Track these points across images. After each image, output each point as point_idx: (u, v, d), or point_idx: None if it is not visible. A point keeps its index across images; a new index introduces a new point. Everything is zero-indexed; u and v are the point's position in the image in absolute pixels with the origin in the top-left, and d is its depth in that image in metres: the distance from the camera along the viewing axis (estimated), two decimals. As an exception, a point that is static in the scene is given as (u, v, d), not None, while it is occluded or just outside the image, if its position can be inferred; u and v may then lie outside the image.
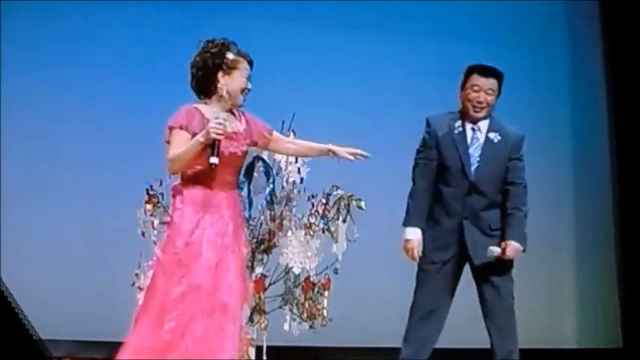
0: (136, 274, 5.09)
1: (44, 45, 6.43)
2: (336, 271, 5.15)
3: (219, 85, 3.82)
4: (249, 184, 5.12)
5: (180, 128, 3.75)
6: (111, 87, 6.47)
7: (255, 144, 3.94)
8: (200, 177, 3.73)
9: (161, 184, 5.11)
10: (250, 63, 3.90)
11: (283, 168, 5.08)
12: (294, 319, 5.04)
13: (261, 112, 5.87)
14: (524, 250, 4.15)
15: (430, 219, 4.23)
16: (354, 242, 5.14)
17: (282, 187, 5.12)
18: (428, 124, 4.27)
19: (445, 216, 4.17)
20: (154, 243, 5.06)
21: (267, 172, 5.11)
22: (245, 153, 3.90)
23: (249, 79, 3.87)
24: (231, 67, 3.82)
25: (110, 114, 6.45)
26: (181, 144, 3.69)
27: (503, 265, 4.13)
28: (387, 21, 7.07)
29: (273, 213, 5.09)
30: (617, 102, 7.47)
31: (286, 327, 5.03)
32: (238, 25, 6.73)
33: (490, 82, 4.20)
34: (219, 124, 3.61)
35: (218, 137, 3.60)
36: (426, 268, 4.21)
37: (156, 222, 5.07)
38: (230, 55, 3.85)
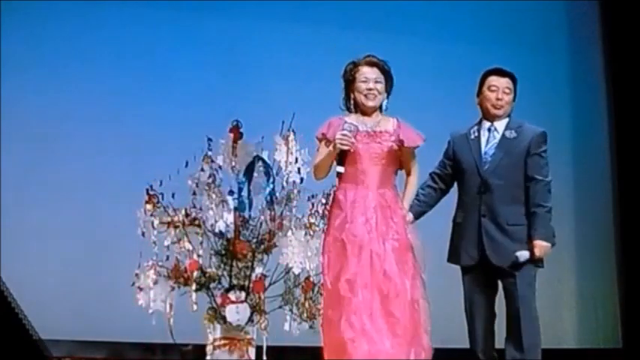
0: (136, 274, 5.08)
1: (44, 44, 6.44)
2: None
3: (351, 101, 4.10)
4: (249, 184, 5.13)
5: (322, 136, 4.04)
6: (111, 87, 6.47)
7: (402, 143, 4.04)
8: (349, 178, 3.98)
9: (161, 184, 5.12)
10: (371, 64, 4.12)
11: (283, 168, 5.09)
12: (294, 319, 5.04)
13: (261, 112, 5.92)
14: (553, 245, 4.18)
15: (455, 225, 4.31)
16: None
17: (282, 187, 5.12)
18: (450, 138, 4.40)
19: (466, 219, 4.23)
20: (154, 243, 5.07)
21: (267, 172, 5.12)
22: (393, 151, 4.02)
23: (375, 80, 4.07)
24: (353, 79, 4.09)
25: (110, 114, 6.46)
26: (322, 152, 4.03)
27: (522, 265, 4.13)
28: (386, 21, 7.07)
29: (273, 213, 5.09)
30: (617, 102, 7.48)
31: (286, 327, 5.04)
32: (238, 26, 6.77)
33: (506, 81, 4.30)
34: (344, 135, 3.88)
35: (344, 147, 3.88)
36: (465, 275, 4.28)
37: (156, 222, 5.07)
38: (350, 68, 4.13)
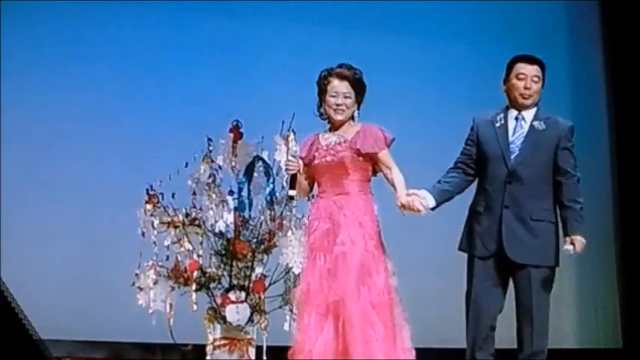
0: (136, 274, 5.09)
1: (44, 44, 6.43)
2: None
3: (321, 111, 4.16)
4: (249, 184, 5.13)
5: (300, 156, 4.15)
6: (111, 87, 6.48)
7: (358, 151, 4.08)
8: (317, 190, 4.17)
9: (161, 184, 5.12)
10: (342, 77, 4.12)
11: (283, 168, 5.08)
12: (294, 319, 5.04)
13: (261, 112, 5.92)
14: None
15: (474, 213, 4.15)
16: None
17: (282, 187, 5.12)
18: (472, 123, 4.25)
19: (487, 209, 4.07)
20: (154, 243, 5.07)
21: (267, 172, 5.12)
22: (353, 158, 4.06)
23: (344, 95, 4.10)
24: (324, 91, 4.12)
25: (110, 114, 6.46)
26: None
27: (540, 271, 4.08)
28: (386, 21, 7.08)
29: (273, 213, 5.09)
30: (617, 102, 7.48)
31: (286, 327, 5.03)
32: (238, 26, 6.77)
33: (535, 69, 4.15)
34: (290, 161, 4.10)
35: (291, 172, 4.08)
36: (475, 262, 4.12)
37: (156, 222, 5.07)
38: (323, 76, 4.15)
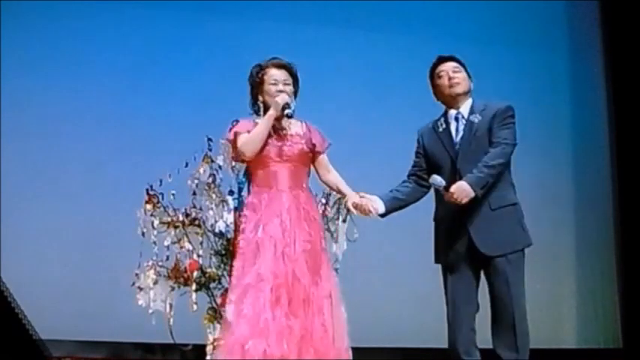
0: (136, 274, 5.09)
1: (44, 44, 6.43)
2: (336, 271, 5.14)
3: (259, 104, 4.07)
4: (249, 184, 5.12)
5: (235, 135, 4.03)
6: (111, 87, 6.48)
7: (313, 147, 4.06)
8: (260, 181, 3.99)
9: (161, 184, 5.12)
10: (279, 66, 4.09)
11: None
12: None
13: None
14: (476, 196, 3.91)
15: (437, 223, 4.14)
16: (354, 242, 5.15)
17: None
18: (417, 134, 4.25)
19: (448, 214, 4.04)
20: (154, 243, 5.07)
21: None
22: (305, 152, 4.02)
23: (284, 82, 4.05)
24: (261, 82, 4.07)
25: (110, 114, 6.46)
26: (260, 125, 3.97)
27: (513, 259, 3.99)
28: (386, 21, 7.07)
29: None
30: (617, 102, 7.47)
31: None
32: (238, 26, 6.76)
33: (451, 64, 4.16)
34: (280, 91, 3.98)
35: (287, 100, 3.96)
36: (447, 269, 4.10)
37: (156, 222, 5.07)
38: (256, 71, 4.11)
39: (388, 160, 5.44)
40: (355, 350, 6.64)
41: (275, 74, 4.06)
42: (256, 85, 4.08)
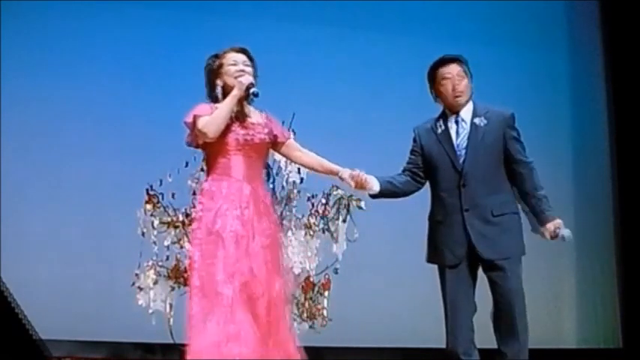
0: (136, 274, 5.09)
1: (44, 44, 6.43)
2: (336, 271, 5.15)
3: (217, 89, 3.92)
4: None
5: (195, 118, 3.90)
6: (111, 87, 6.48)
7: (275, 138, 3.96)
8: (218, 169, 3.83)
9: (161, 184, 5.12)
10: (238, 50, 4.00)
11: (283, 168, 5.08)
12: (294, 319, 5.03)
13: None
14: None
15: (434, 223, 4.15)
16: (354, 242, 5.15)
17: (282, 187, 5.12)
18: (414, 133, 4.25)
19: (446, 215, 4.07)
20: (154, 243, 5.08)
21: (267, 172, 5.11)
22: (265, 143, 3.91)
23: (244, 62, 3.94)
24: (220, 66, 3.94)
25: (110, 114, 6.46)
26: (223, 105, 3.82)
27: (512, 260, 4.03)
28: (386, 21, 7.08)
29: (272, 213, 5.09)
30: (617, 102, 7.47)
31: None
32: (238, 25, 6.76)
33: (456, 67, 4.15)
34: (242, 71, 3.87)
35: (251, 80, 3.86)
36: (445, 271, 4.10)
37: (156, 222, 5.08)
38: (214, 59, 4.00)
39: (388, 160, 5.42)
40: (355, 350, 6.67)
41: (234, 56, 3.96)
42: (214, 71, 3.96)
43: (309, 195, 5.17)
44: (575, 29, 7.68)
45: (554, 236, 4.06)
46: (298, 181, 5.13)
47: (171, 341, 5.13)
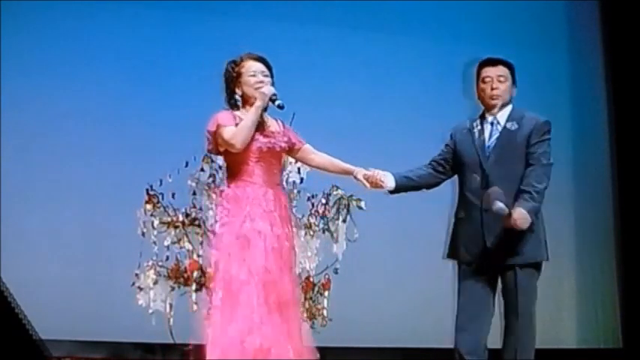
0: (136, 274, 5.09)
1: (44, 44, 6.43)
2: (336, 271, 5.16)
3: (236, 97, 4.00)
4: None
5: (217, 127, 3.96)
6: (111, 87, 6.47)
7: (292, 145, 4.06)
8: (242, 175, 3.91)
9: (161, 184, 5.12)
10: (256, 59, 4.04)
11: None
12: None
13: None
14: (532, 223, 3.96)
15: (457, 220, 4.19)
16: (354, 242, 5.15)
17: (283, 187, 5.11)
18: (452, 131, 4.30)
19: (468, 214, 4.10)
20: (154, 243, 5.08)
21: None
22: (283, 151, 4.02)
23: (263, 73, 3.99)
24: (238, 75, 4.00)
25: (110, 114, 6.46)
26: (248, 117, 3.90)
27: (524, 265, 4.03)
28: (386, 21, 7.08)
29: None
30: (617, 102, 7.47)
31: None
32: (239, 25, 6.76)
33: (499, 70, 4.20)
34: (262, 82, 3.93)
35: (273, 91, 3.91)
36: (461, 269, 4.14)
37: (156, 222, 5.08)
38: (232, 66, 4.04)
39: (388, 159, 5.43)
40: (355, 350, 6.66)
41: (253, 66, 4.01)
42: (233, 79, 4.02)
43: (309, 195, 5.17)
44: (575, 29, 7.68)
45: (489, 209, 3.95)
46: (298, 181, 5.13)
47: (172, 341, 5.14)
